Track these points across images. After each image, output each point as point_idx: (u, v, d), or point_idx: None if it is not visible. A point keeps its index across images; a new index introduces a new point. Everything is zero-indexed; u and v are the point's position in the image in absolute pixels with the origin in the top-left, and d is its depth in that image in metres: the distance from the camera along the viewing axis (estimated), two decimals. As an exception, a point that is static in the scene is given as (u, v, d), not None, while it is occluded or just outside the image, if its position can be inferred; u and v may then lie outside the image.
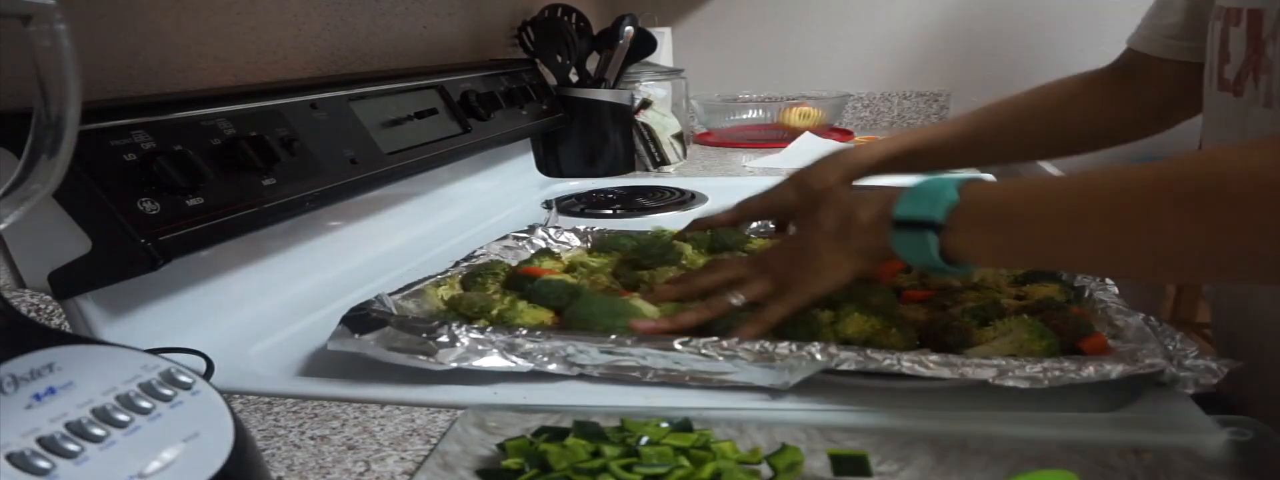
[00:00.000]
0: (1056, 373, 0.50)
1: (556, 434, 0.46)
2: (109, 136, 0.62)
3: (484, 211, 1.15)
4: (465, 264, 0.79)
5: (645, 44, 1.40)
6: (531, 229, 0.92)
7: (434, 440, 0.52)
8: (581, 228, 0.93)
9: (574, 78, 1.40)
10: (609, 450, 0.43)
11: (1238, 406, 0.73)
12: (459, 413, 0.54)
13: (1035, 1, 1.76)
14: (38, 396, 0.36)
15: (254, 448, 0.43)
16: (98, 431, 0.36)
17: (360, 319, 0.61)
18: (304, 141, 0.79)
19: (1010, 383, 0.50)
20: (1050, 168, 1.36)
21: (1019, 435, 0.48)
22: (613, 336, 0.58)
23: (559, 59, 1.38)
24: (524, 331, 0.59)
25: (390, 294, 0.68)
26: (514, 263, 0.81)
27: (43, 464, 0.34)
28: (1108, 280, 0.68)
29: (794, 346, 0.55)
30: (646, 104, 1.46)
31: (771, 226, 0.90)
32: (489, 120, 1.12)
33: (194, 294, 0.72)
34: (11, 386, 0.36)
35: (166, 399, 0.40)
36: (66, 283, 0.62)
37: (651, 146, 1.45)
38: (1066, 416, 0.50)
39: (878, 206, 0.55)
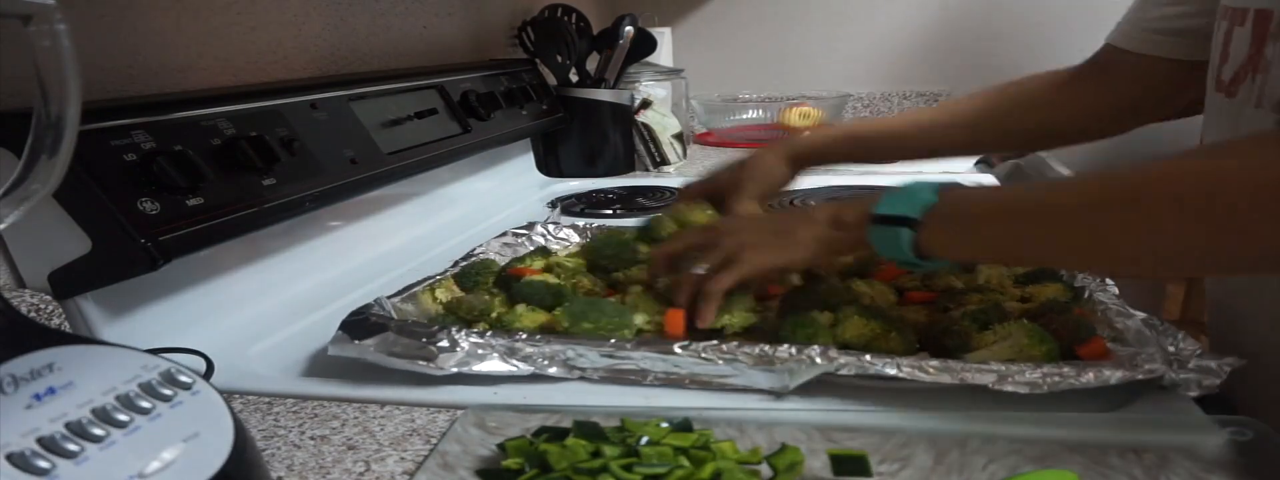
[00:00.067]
0: (1055, 378, 0.50)
1: (556, 434, 0.46)
2: (109, 136, 0.62)
3: (484, 211, 1.15)
4: (463, 263, 0.79)
5: (645, 44, 1.40)
6: (530, 226, 0.92)
7: (434, 440, 0.52)
8: (581, 225, 0.93)
9: (574, 78, 1.40)
10: (609, 450, 0.43)
11: (1238, 406, 0.72)
12: (459, 413, 0.54)
13: (1035, 1, 1.76)
14: (38, 396, 0.36)
15: (254, 448, 0.43)
16: (98, 431, 0.36)
17: (359, 324, 0.61)
18: (304, 141, 0.79)
19: (1009, 388, 0.50)
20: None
21: (1019, 435, 0.48)
22: (612, 340, 0.58)
23: (559, 59, 1.38)
24: (523, 335, 0.59)
25: (389, 297, 0.68)
26: (509, 261, 0.81)
27: (43, 464, 0.34)
28: (1108, 281, 0.68)
29: (794, 350, 0.54)
30: (646, 104, 1.46)
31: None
32: (489, 120, 1.12)
33: (194, 294, 0.72)
34: (11, 386, 0.36)
35: (166, 399, 0.40)
36: (66, 283, 0.62)
37: (651, 146, 1.45)
38: (1066, 417, 0.50)
39: (862, 207, 0.60)
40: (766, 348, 0.55)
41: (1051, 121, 0.85)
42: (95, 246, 0.61)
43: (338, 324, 0.62)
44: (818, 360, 0.54)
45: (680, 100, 1.63)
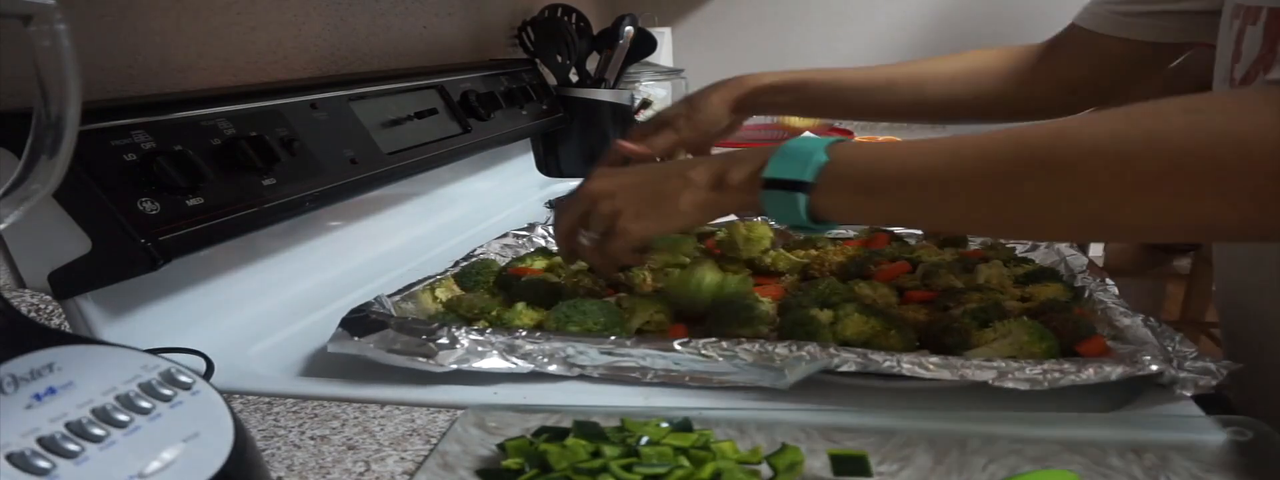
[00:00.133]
0: (1056, 374, 0.50)
1: (556, 434, 0.46)
2: (109, 136, 0.62)
3: (484, 211, 1.15)
4: (464, 263, 0.79)
5: (645, 44, 1.40)
6: (531, 227, 0.92)
7: (434, 440, 0.52)
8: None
9: (574, 78, 1.40)
10: (609, 450, 0.43)
11: (1238, 406, 0.73)
12: (459, 413, 0.54)
13: (1035, 2, 1.76)
14: (38, 396, 0.36)
15: (254, 448, 0.43)
16: (98, 431, 0.36)
17: (359, 321, 0.61)
18: (304, 141, 0.79)
19: (1010, 384, 0.50)
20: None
21: (1019, 435, 0.48)
22: (612, 337, 0.58)
23: (559, 59, 1.38)
24: (523, 332, 0.59)
25: (389, 295, 0.68)
26: (509, 261, 0.81)
27: (43, 464, 0.34)
28: (1108, 281, 0.68)
29: (793, 347, 0.55)
30: (646, 104, 1.46)
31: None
32: (489, 120, 1.12)
33: (194, 294, 0.72)
34: (11, 386, 0.36)
35: (166, 399, 0.40)
36: (66, 283, 0.62)
37: (651, 146, 1.45)
38: (1066, 416, 0.50)
39: (748, 166, 0.56)
40: (766, 345, 0.55)
41: (997, 92, 0.84)
42: (95, 246, 0.61)
43: (337, 323, 0.62)
44: (817, 356, 0.54)
45: (680, 100, 1.63)
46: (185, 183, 0.64)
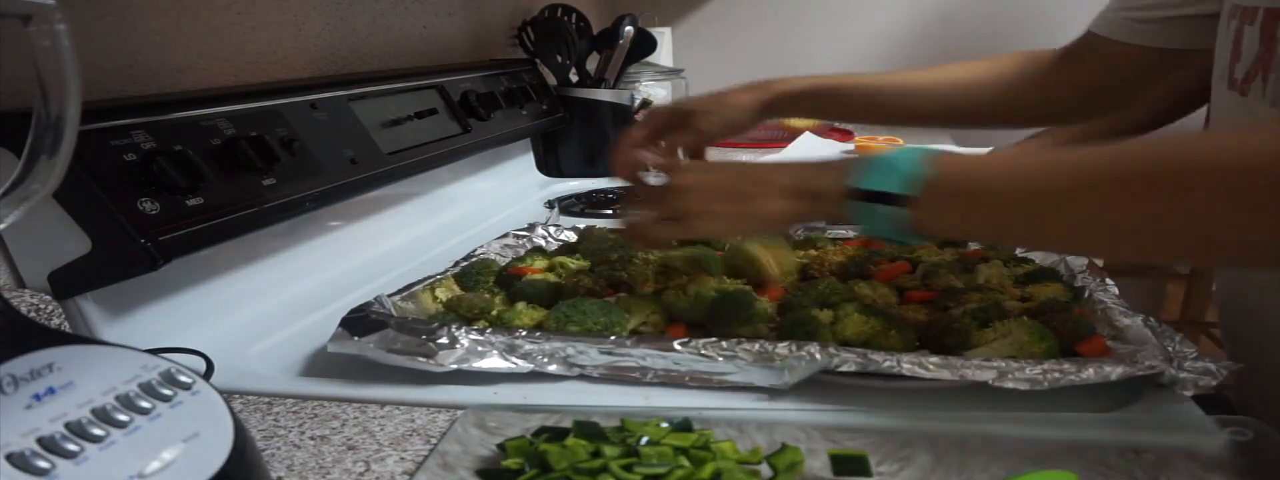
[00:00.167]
0: (1056, 374, 0.50)
1: (556, 434, 0.46)
2: (109, 136, 0.62)
3: (484, 211, 1.15)
4: (464, 263, 0.79)
5: (645, 44, 1.40)
6: (531, 227, 0.92)
7: (434, 440, 0.52)
8: (582, 226, 0.93)
9: (574, 78, 1.40)
10: (609, 450, 0.43)
11: (1238, 406, 0.73)
12: (459, 413, 0.54)
13: (1035, 1, 1.76)
14: (38, 396, 0.36)
15: (254, 448, 0.43)
16: (98, 431, 0.36)
17: (359, 321, 0.61)
18: (304, 141, 0.79)
19: (1010, 384, 0.50)
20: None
21: (1019, 435, 0.48)
22: (612, 337, 0.58)
23: (559, 59, 1.38)
24: (523, 332, 0.59)
25: (389, 295, 0.68)
26: (509, 261, 0.81)
27: (43, 464, 0.34)
28: (1108, 280, 0.68)
29: (793, 346, 0.55)
30: (646, 104, 1.46)
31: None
32: (489, 120, 1.12)
33: (194, 294, 0.72)
34: (11, 386, 0.36)
35: (166, 399, 0.40)
36: (66, 283, 0.62)
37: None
38: (1066, 416, 0.50)
39: (834, 174, 0.54)
40: (766, 344, 0.55)
41: (1022, 100, 0.84)
42: (95, 246, 0.61)
43: (337, 323, 0.62)
44: (817, 356, 0.54)
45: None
46: (185, 183, 0.64)
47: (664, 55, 1.68)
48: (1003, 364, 0.51)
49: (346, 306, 0.64)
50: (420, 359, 0.57)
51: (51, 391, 0.37)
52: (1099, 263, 0.76)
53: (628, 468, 0.42)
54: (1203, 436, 0.47)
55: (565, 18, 1.38)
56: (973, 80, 0.85)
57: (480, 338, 0.58)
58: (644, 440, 0.44)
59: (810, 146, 1.55)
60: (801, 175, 0.56)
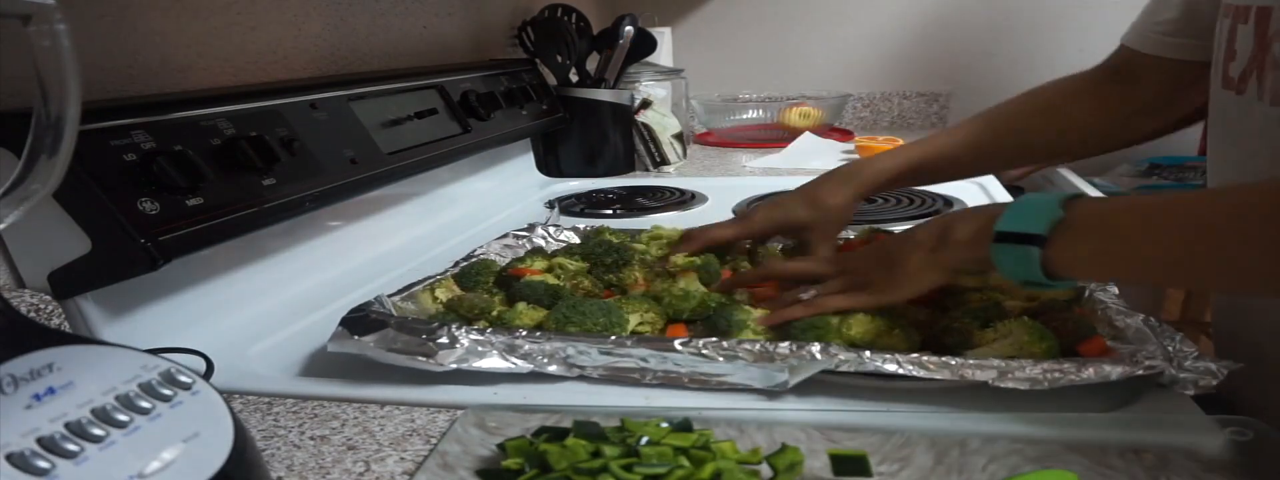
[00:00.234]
0: (1056, 374, 0.50)
1: (556, 434, 0.46)
2: (109, 136, 0.62)
3: (484, 211, 1.15)
4: (464, 263, 0.79)
5: (645, 44, 1.40)
6: (531, 227, 0.92)
7: (434, 440, 0.52)
8: (582, 226, 0.93)
9: (574, 78, 1.40)
10: (609, 450, 0.43)
11: (1238, 406, 0.72)
12: (459, 413, 0.54)
13: (1035, 1, 1.76)
14: (37, 396, 0.36)
15: (254, 448, 0.43)
16: (97, 431, 0.36)
17: (360, 321, 0.61)
18: (304, 141, 0.79)
19: (1010, 384, 0.50)
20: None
21: (1019, 435, 0.48)
22: (612, 337, 0.58)
23: (559, 59, 1.38)
24: (523, 332, 0.59)
25: (390, 295, 0.68)
26: (509, 261, 0.81)
27: (43, 464, 0.34)
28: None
29: (793, 347, 0.55)
30: (646, 104, 1.46)
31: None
32: (489, 120, 1.12)
33: (194, 294, 0.72)
34: (11, 386, 0.36)
35: (166, 399, 0.40)
36: (66, 283, 0.62)
37: (651, 146, 1.45)
38: (1066, 416, 0.50)
39: (977, 222, 0.56)
40: (766, 345, 0.55)
41: (1089, 126, 0.82)
42: (95, 246, 0.61)
43: (337, 323, 0.62)
44: (817, 356, 0.54)
45: (680, 100, 1.63)
46: (185, 183, 0.64)
47: (664, 55, 1.68)
48: (1003, 364, 0.51)
49: (346, 306, 0.64)
50: (420, 359, 0.57)
51: (51, 391, 0.37)
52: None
53: (628, 468, 0.42)
54: (1203, 436, 0.47)
55: (565, 18, 1.38)
56: (1042, 120, 0.83)
57: (480, 338, 0.58)
58: (644, 440, 0.44)
59: (810, 146, 1.55)
60: (939, 226, 0.59)
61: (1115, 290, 0.65)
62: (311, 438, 0.53)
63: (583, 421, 0.47)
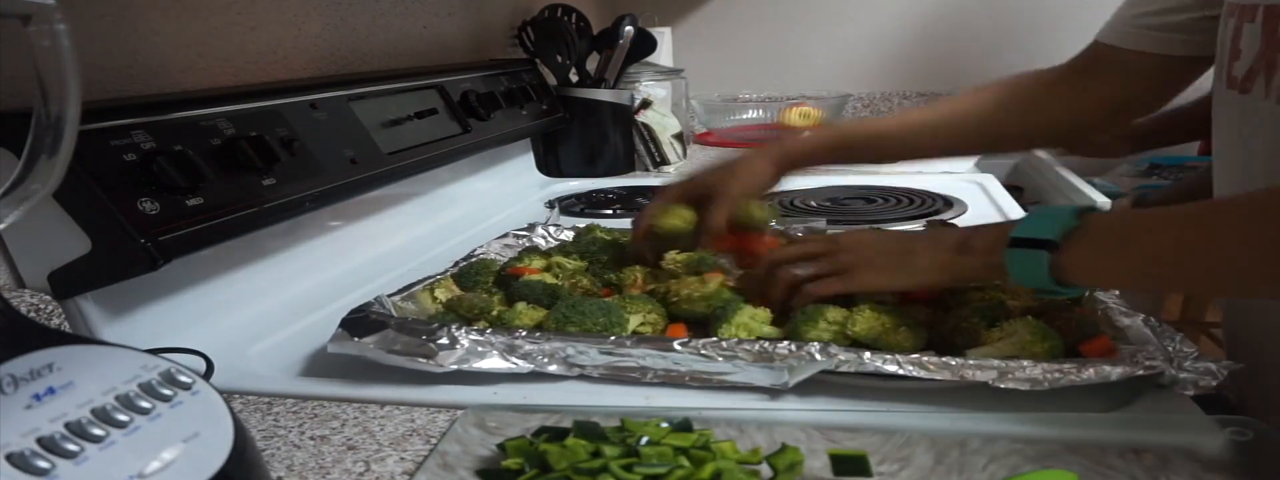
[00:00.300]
0: (1056, 374, 0.50)
1: (556, 434, 0.46)
2: (109, 136, 0.62)
3: (484, 211, 1.15)
4: (463, 263, 0.79)
5: (645, 44, 1.40)
6: (531, 227, 0.92)
7: (434, 440, 0.52)
8: (582, 226, 0.93)
9: (574, 78, 1.40)
10: (609, 450, 0.43)
11: (1238, 406, 0.73)
12: (459, 413, 0.54)
13: (1035, 1, 1.76)
14: (37, 396, 0.36)
15: (254, 448, 0.43)
16: (97, 432, 0.36)
17: (359, 322, 0.61)
18: (304, 141, 0.79)
19: (1010, 384, 0.50)
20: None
21: (1019, 435, 0.48)
22: (612, 337, 0.58)
23: (559, 59, 1.38)
24: (523, 332, 0.59)
25: (389, 295, 0.68)
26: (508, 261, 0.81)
27: (43, 464, 0.34)
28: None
29: (793, 346, 0.55)
30: (646, 104, 1.46)
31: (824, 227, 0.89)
32: (489, 120, 1.12)
33: (194, 294, 0.72)
34: (11, 386, 0.36)
35: (166, 399, 0.40)
36: (66, 283, 0.62)
37: (651, 146, 1.45)
38: (1066, 416, 0.50)
39: (996, 233, 0.57)
40: (766, 344, 0.55)
41: (1041, 122, 0.84)
42: (95, 246, 0.61)
43: (337, 323, 0.62)
44: (818, 356, 0.54)
45: (680, 100, 1.63)
46: (185, 183, 0.64)
47: (664, 55, 1.68)
48: (1003, 364, 0.51)
49: (346, 306, 0.64)
50: (420, 359, 0.57)
51: (51, 391, 0.37)
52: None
53: (628, 468, 0.42)
54: (1203, 436, 0.47)
55: (565, 18, 1.38)
56: (981, 110, 0.84)
57: (480, 338, 0.58)
58: (644, 440, 0.44)
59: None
60: (966, 233, 0.61)
61: (1116, 291, 0.65)
62: (311, 438, 0.53)
63: (583, 421, 0.47)
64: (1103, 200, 1.13)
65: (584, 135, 1.40)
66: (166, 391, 0.40)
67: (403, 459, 0.50)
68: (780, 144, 0.84)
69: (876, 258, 0.63)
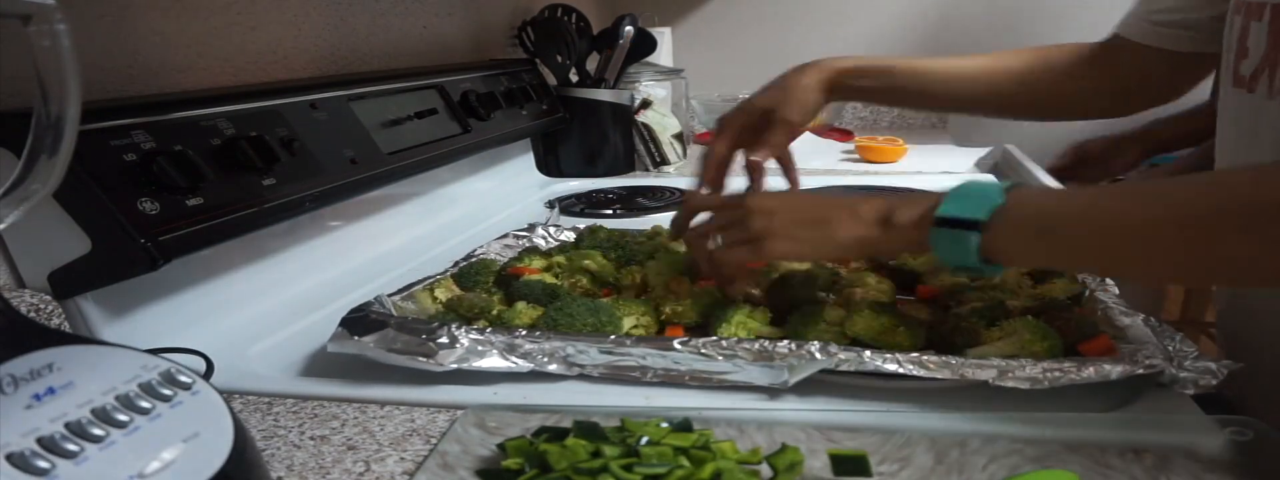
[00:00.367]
0: (1056, 374, 0.50)
1: (556, 434, 0.46)
2: (109, 136, 0.62)
3: (484, 211, 1.15)
4: (463, 263, 0.79)
5: (645, 44, 1.40)
6: (531, 227, 0.92)
7: (434, 440, 0.52)
8: (582, 226, 0.93)
9: (574, 78, 1.40)
10: (609, 450, 0.43)
11: (1238, 406, 0.72)
12: (459, 413, 0.54)
13: (1035, 1, 1.76)
14: (37, 396, 0.36)
15: (254, 448, 0.43)
16: (97, 432, 0.36)
17: (359, 321, 0.61)
18: (304, 141, 0.79)
19: (1010, 384, 0.50)
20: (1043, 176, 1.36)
21: (1019, 435, 0.48)
22: (612, 336, 0.58)
23: (559, 59, 1.38)
24: (523, 332, 0.59)
25: (389, 295, 0.68)
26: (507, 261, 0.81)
27: (43, 464, 0.34)
28: (1108, 281, 0.68)
29: (793, 346, 0.55)
30: (646, 104, 1.46)
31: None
32: (489, 120, 1.12)
33: (194, 294, 0.72)
34: (11, 386, 0.36)
35: (166, 399, 0.40)
36: (66, 283, 0.62)
37: (651, 146, 1.45)
38: (1066, 416, 0.50)
39: (920, 206, 0.55)
40: (766, 343, 0.55)
41: (1070, 91, 0.85)
42: (95, 246, 0.61)
43: (337, 323, 0.62)
44: (817, 355, 0.54)
45: (680, 100, 1.63)
46: (185, 183, 0.64)
47: (664, 55, 1.68)
48: (1003, 363, 0.51)
49: (346, 306, 0.64)
50: (420, 359, 0.57)
51: (51, 391, 0.37)
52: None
53: (628, 468, 0.42)
54: (1203, 436, 0.47)
55: (565, 18, 1.38)
56: (1021, 68, 0.85)
57: (480, 337, 0.58)
58: (644, 440, 0.44)
59: (810, 146, 1.55)
60: (887, 206, 0.57)
61: (1115, 290, 0.66)
62: (311, 438, 0.53)
63: (583, 421, 0.47)
64: None
65: (584, 135, 1.40)
66: (166, 391, 0.40)
67: (403, 459, 0.50)
68: (829, 62, 0.84)
69: (791, 227, 0.60)
